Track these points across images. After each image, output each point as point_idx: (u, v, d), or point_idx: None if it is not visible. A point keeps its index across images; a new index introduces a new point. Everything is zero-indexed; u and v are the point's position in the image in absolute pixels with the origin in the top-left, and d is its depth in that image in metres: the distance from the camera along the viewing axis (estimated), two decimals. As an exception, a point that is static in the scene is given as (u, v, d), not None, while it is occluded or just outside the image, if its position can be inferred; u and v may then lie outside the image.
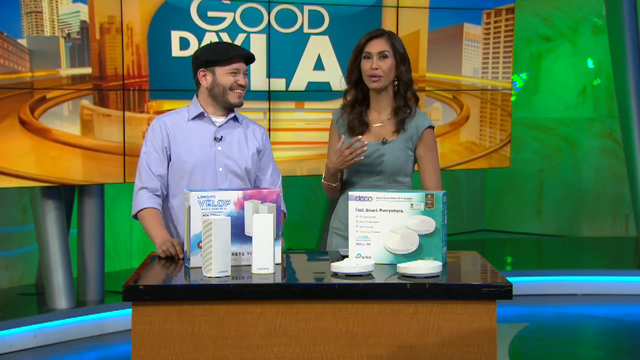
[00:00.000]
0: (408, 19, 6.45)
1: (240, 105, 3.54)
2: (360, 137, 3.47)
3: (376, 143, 3.55)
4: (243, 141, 3.57)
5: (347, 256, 3.07)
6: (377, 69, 3.50)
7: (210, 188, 3.43)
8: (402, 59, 3.55)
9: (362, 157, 3.42)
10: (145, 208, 3.44)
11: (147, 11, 5.67)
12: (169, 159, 3.51)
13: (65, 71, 5.47)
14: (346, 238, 3.58)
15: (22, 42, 5.30)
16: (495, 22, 6.72)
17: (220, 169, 3.51)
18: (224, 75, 3.48)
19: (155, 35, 5.70)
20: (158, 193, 3.48)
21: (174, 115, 3.57)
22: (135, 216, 3.48)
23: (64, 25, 5.43)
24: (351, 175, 3.58)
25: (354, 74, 3.57)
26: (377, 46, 3.52)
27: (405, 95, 3.57)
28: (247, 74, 3.53)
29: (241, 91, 3.51)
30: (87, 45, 5.51)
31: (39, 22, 5.35)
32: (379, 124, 3.59)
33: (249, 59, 3.53)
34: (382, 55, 3.51)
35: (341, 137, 3.52)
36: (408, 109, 3.57)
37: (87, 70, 5.51)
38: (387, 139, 3.55)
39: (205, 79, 3.51)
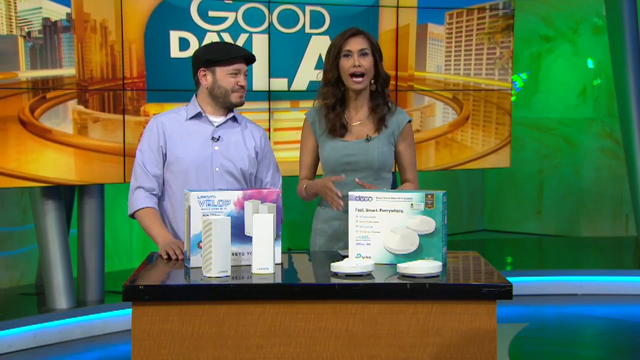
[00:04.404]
0: (398, 16, 6.46)
1: (241, 104, 3.54)
2: (343, 176, 3.44)
3: (360, 141, 3.56)
4: (241, 142, 3.56)
5: (347, 256, 3.07)
6: (359, 66, 3.49)
7: (205, 188, 3.42)
8: (380, 56, 3.56)
9: (341, 208, 3.40)
10: (143, 208, 3.44)
11: (143, 10, 5.61)
12: (165, 159, 3.51)
13: (25, 74, 5.13)
14: (330, 239, 3.59)
15: None
16: (457, 22, 6.72)
17: (217, 169, 3.50)
18: (224, 76, 3.48)
19: (153, 36, 5.65)
20: (155, 192, 3.49)
21: (172, 115, 3.57)
22: (132, 215, 3.48)
23: (23, 23, 5.08)
24: (337, 174, 3.57)
25: (332, 73, 3.54)
26: (357, 44, 3.51)
27: (383, 92, 3.57)
28: (247, 75, 3.53)
29: (242, 92, 3.51)
30: (51, 45, 5.18)
31: None
32: (358, 122, 3.59)
33: (250, 59, 3.53)
34: (363, 53, 3.51)
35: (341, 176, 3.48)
36: (387, 107, 3.57)
37: (52, 72, 5.19)
38: (370, 135, 3.56)
39: (206, 78, 3.50)
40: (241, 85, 3.49)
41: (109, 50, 5.47)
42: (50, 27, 5.19)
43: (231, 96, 3.50)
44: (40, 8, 5.11)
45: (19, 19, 5.08)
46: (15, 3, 5.06)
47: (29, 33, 5.12)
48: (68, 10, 5.30)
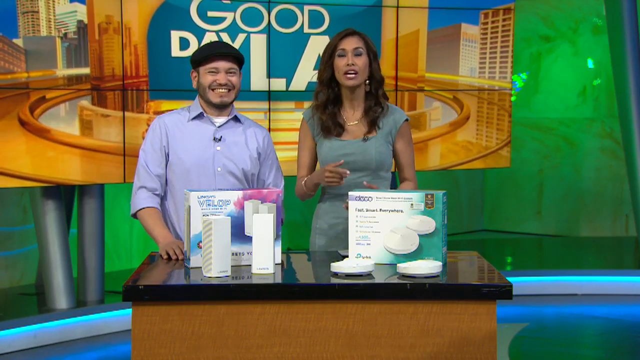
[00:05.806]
0: (407, 18, 6.45)
1: (221, 104, 3.50)
2: (348, 172, 3.40)
3: (357, 140, 3.56)
4: (243, 142, 3.56)
5: (347, 256, 3.07)
6: (353, 65, 3.50)
7: (207, 188, 3.42)
8: (374, 57, 3.57)
9: (342, 183, 3.40)
10: (145, 207, 3.45)
11: (146, 11, 5.67)
12: (167, 159, 3.51)
13: (62, 71, 5.45)
14: (330, 238, 3.59)
15: (18, 42, 5.28)
16: (493, 22, 6.72)
17: (219, 169, 3.51)
18: (204, 74, 3.48)
19: (155, 35, 5.70)
20: (157, 192, 3.49)
21: (175, 115, 3.58)
22: (135, 215, 3.49)
23: (60, 25, 5.42)
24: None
25: (326, 73, 3.56)
26: (351, 43, 3.52)
27: (377, 94, 3.58)
28: (233, 73, 3.48)
29: (223, 90, 3.47)
30: (84, 45, 5.49)
31: (35, 22, 5.34)
32: (355, 122, 3.59)
33: (227, 56, 3.48)
34: (357, 53, 3.52)
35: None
36: (380, 108, 3.58)
37: (84, 70, 5.49)
38: (367, 135, 3.56)
39: (195, 79, 3.52)
40: (220, 84, 3.47)
41: (131, 50, 5.63)
42: (83, 29, 5.51)
43: (209, 94, 3.48)
44: (76, 11, 5.48)
45: (57, 22, 5.43)
46: (54, 7, 5.41)
47: (65, 34, 5.47)
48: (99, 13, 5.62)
